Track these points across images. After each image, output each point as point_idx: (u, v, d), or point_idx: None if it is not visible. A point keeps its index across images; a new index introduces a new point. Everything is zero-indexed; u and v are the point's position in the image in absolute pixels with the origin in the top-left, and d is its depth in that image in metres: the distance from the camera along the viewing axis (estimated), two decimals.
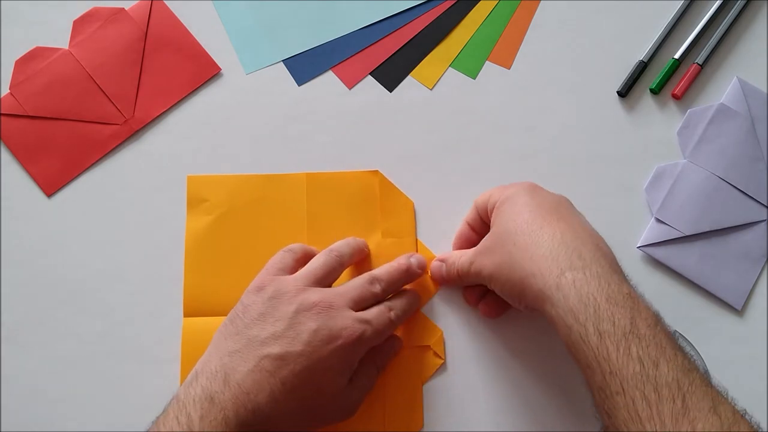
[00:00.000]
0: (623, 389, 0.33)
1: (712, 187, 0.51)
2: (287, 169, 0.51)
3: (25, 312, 0.48)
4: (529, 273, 0.39)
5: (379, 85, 0.53)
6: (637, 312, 0.36)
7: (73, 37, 0.53)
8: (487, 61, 0.54)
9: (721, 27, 0.54)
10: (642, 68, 0.53)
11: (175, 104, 0.52)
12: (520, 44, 0.54)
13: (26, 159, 0.51)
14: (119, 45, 0.53)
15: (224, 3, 0.55)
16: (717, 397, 0.33)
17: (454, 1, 0.55)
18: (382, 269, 0.45)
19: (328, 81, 0.53)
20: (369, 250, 0.48)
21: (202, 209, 0.50)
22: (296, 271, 0.44)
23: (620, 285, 0.37)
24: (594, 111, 0.53)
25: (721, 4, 0.55)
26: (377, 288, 0.44)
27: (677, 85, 0.53)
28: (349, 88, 0.53)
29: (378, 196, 0.50)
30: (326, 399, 0.40)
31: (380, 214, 0.50)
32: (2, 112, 0.51)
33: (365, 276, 0.44)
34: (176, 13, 0.54)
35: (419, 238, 0.50)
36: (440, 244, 0.49)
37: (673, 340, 0.35)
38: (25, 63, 0.52)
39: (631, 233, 0.50)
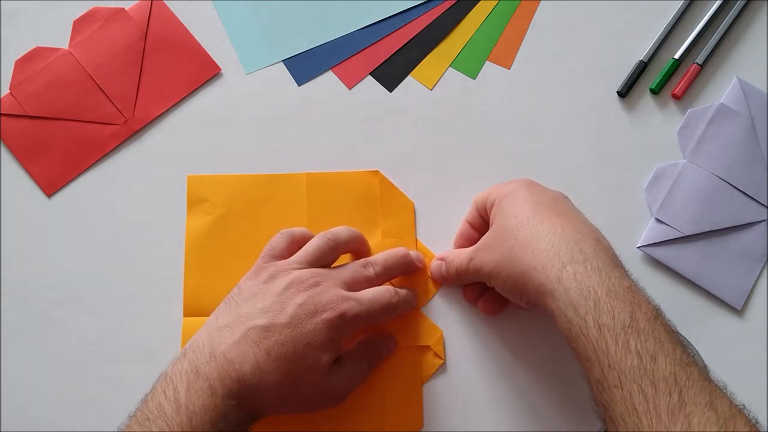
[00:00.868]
0: (621, 382, 0.34)
1: (712, 187, 0.51)
2: (287, 169, 0.51)
3: (25, 312, 0.48)
4: (530, 267, 0.39)
5: (379, 85, 0.53)
6: (637, 306, 0.36)
7: (73, 37, 0.53)
8: (487, 61, 0.54)
9: (721, 27, 0.54)
10: (642, 68, 0.53)
11: (175, 104, 0.52)
12: (520, 44, 0.54)
13: (26, 159, 0.51)
14: (119, 45, 0.53)
15: (224, 3, 0.55)
16: (714, 392, 0.33)
17: (454, 1, 0.55)
18: (378, 254, 0.46)
19: (328, 81, 0.53)
20: (368, 246, 0.48)
21: (202, 209, 0.50)
22: (291, 253, 0.44)
23: (621, 279, 0.37)
24: (594, 111, 0.53)
25: (721, 4, 0.55)
26: (370, 271, 0.44)
27: (677, 85, 0.53)
28: (349, 88, 0.53)
29: (378, 196, 0.50)
30: (309, 375, 0.40)
31: (380, 214, 0.50)
32: (2, 112, 0.51)
33: (360, 260, 0.45)
34: (176, 13, 0.54)
35: (419, 238, 0.50)
36: (440, 244, 0.49)
37: (672, 334, 0.35)
38: (25, 63, 0.52)
39: (631, 233, 0.50)
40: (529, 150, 0.52)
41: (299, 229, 0.46)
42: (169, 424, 0.35)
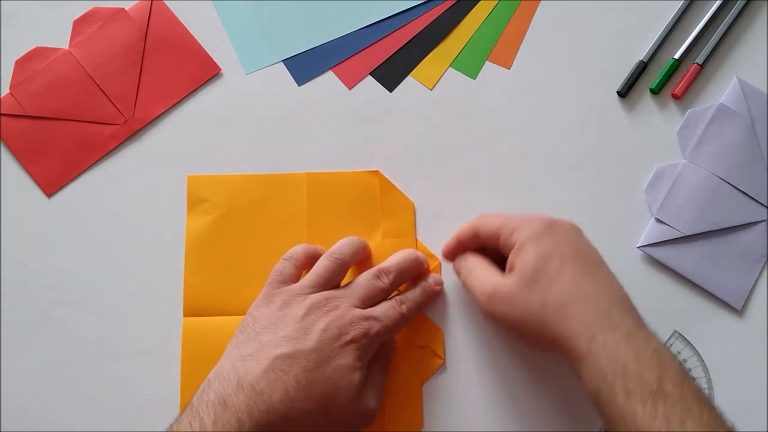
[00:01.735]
0: None
1: (712, 187, 0.51)
2: (287, 169, 0.51)
3: (25, 312, 0.48)
4: (560, 336, 0.39)
5: (379, 85, 0.53)
6: (664, 369, 0.36)
7: (73, 37, 0.53)
8: (487, 61, 0.54)
9: (721, 27, 0.54)
10: (642, 68, 0.53)
11: (175, 104, 0.52)
12: (520, 44, 0.54)
13: (26, 159, 0.51)
14: (119, 45, 0.53)
15: (224, 3, 0.55)
16: None
17: (454, 1, 0.55)
18: (390, 260, 0.46)
19: (328, 81, 0.53)
20: (370, 250, 0.48)
21: (202, 209, 0.50)
22: (299, 276, 0.44)
23: (647, 341, 0.38)
24: (594, 111, 0.53)
25: (721, 4, 0.55)
26: (385, 281, 0.44)
27: (677, 85, 0.53)
28: (349, 88, 0.53)
29: (378, 196, 0.50)
30: (343, 398, 0.39)
31: (380, 214, 0.50)
32: (2, 112, 0.51)
33: (372, 271, 0.44)
34: (176, 13, 0.54)
35: (419, 239, 0.50)
36: (440, 245, 0.49)
37: (699, 395, 0.36)
38: (25, 63, 0.52)
39: (631, 233, 0.50)
40: (529, 150, 0.52)
41: (301, 250, 0.45)
42: None
